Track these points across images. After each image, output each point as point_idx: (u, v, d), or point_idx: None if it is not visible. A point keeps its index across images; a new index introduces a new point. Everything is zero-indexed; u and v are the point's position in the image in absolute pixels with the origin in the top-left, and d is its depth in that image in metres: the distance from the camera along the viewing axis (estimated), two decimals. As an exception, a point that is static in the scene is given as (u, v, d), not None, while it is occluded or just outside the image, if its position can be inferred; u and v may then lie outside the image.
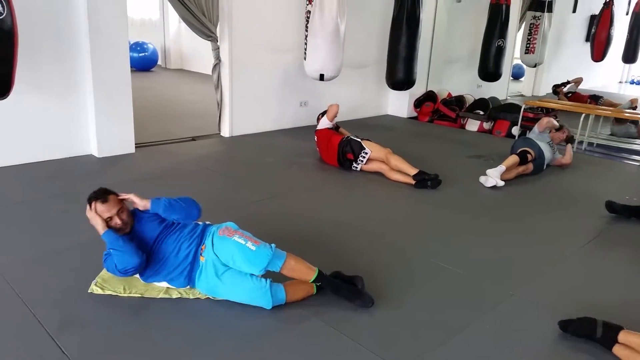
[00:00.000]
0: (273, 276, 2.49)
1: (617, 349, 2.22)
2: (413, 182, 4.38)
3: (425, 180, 4.35)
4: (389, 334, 2.35)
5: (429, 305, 2.61)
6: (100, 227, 2.45)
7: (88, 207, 2.47)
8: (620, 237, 3.63)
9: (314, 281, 2.52)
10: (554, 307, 2.63)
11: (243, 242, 2.47)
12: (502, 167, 4.52)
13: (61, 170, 4.40)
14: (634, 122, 6.85)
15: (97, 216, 2.45)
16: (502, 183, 4.47)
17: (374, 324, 2.42)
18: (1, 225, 3.30)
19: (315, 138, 5.03)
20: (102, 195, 2.49)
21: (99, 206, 2.45)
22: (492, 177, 4.47)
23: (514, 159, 4.67)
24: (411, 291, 2.73)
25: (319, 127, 5.00)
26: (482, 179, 4.57)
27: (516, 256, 3.23)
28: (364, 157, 4.66)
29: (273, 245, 2.51)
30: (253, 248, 2.45)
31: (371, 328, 2.39)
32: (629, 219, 3.88)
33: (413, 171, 4.40)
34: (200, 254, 2.53)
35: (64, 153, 4.67)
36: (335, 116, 4.95)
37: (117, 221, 2.47)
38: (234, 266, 2.46)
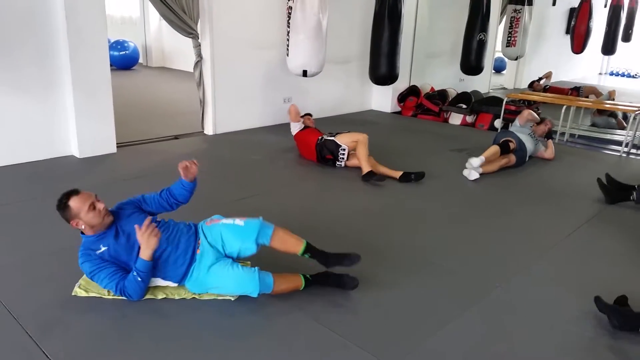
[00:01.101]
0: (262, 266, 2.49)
1: None
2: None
3: (370, 178, 4.36)
4: (376, 329, 2.36)
5: (416, 299, 2.63)
6: (150, 250, 2.38)
7: (141, 229, 2.38)
8: (604, 225, 3.68)
9: (303, 252, 2.57)
10: (546, 296, 2.67)
11: (231, 222, 2.58)
12: (482, 158, 4.56)
13: (42, 172, 4.33)
14: (614, 114, 6.95)
15: (153, 238, 2.38)
16: (477, 174, 4.54)
17: (361, 319, 2.43)
18: (-19, 229, 3.25)
19: (296, 143, 5.04)
20: (70, 192, 2.42)
21: (74, 200, 2.37)
22: (473, 167, 4.53)
23: (494, 149, 4.71)
24: (398, 285, 2.75)
25: (293, 133, 5.01)
26: (465, 172, 4.60)
27: (502, 248, 3.26)
28: (343, 155, 4.65)
29: (260, 217, 2.60)
30: (241, 223, 2.56)
31: (357, 322, 2.40)
32: (611, 204, 4.02)
33: (366, 169, 4.39)
34: (197, 248, 2.53)
35: (44, 154, 4.60)
36: (298, 114, 4.95)
37: (100, 205, 2.41)
38: (227, 248, 2.53)
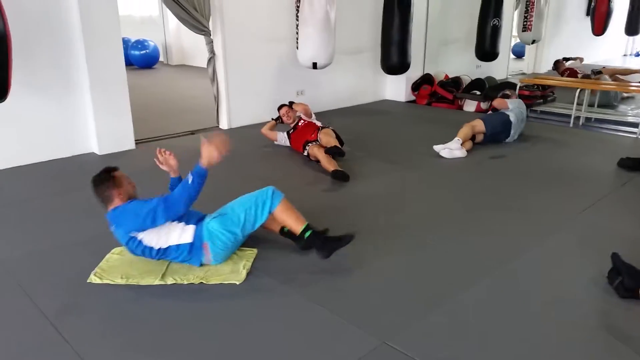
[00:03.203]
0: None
1: None
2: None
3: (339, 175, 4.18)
4: (369, 306, 2.45)
5: (411, 278, 2.71)
6: (210, 162, 2.60)
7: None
8: (615, 204, 3.68)
9: (302, 231, 2.75)
10: (555, 270, 2.72)
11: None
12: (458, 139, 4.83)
13: (64, 169, 4.54)
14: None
15: (214, 152, 2.60)
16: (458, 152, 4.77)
17: (357, 297, 2.52)
18: (7, 222, 3.46)
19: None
20: (112, 167, 2.74)
21: (118, 172, 2.74)
22: (452, 148, 4.75)
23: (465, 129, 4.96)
24: (394, 264, 2.83)
25: (288, 144, 5.05)
26: (442, 151, 4.79)
27: (511, 227, 3.30)
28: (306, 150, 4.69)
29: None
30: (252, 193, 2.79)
31: (360, 305, 2.49)
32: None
33: (330, 168, 4.25)
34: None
35: (66, 152, 4.81)
36: (271, 128, 5.11)
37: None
38: (234, 225, 2.72)
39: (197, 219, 2.78)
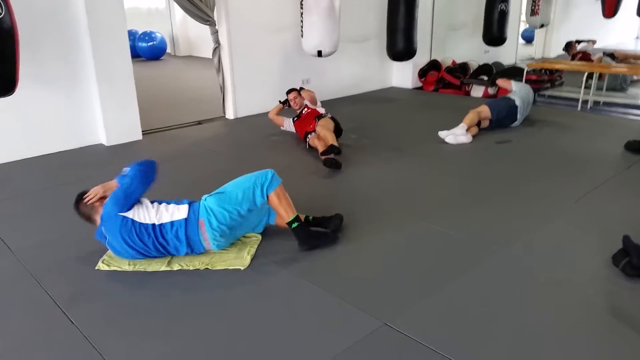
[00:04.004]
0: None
1: None
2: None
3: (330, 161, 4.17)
4: (371, 289, 2.48)
5: (412, 261, 2.73)
6: (112, 184, 2.73)
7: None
8: (621, 187, 3.67)
9: (290, 222, 2.81)
10: (548, 259, 2.73)
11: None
12: (463, 125, 4.83)
13: (73, 160, 4.61)
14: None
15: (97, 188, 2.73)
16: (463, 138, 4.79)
17: (359, 280, 2.56)
18: (19, 212, 3.53)
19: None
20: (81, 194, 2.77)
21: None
22: (457, 133, 4.78)
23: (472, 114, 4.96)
24: (395, 248, 2.86)
25: (293, 131, 5.09)
26: (447, 137, 4.80)
27: (516, 211, 3.31)
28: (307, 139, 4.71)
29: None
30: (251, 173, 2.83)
31: (356, 283, 2.52)
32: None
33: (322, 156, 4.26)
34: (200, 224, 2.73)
35: (74, 144, 4.88)
36: (277, 112, 5.19)
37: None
38: (231, 203, 2.74)
39: (190, 200, 2.83)
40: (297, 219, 2.82)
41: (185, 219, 2.71)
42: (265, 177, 2.78)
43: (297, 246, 2.83)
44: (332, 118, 4.78)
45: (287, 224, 2.83)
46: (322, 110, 4.90)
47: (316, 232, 2.90)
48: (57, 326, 2.29)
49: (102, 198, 2.72)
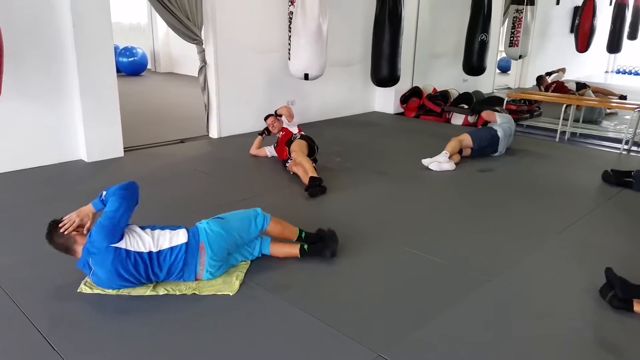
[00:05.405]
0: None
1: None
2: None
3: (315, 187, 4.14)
4: (363, 317, 2.45)
5: (401, 291, 2.72)
6: (87, 209, 2.61)
7: (57, 230, 2.58)
8: (602, 218, 3.75)
9: (297, 239, 3.00)
10: (546, 282, 2.75)
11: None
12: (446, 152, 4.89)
13: (52, 176, 4.48)
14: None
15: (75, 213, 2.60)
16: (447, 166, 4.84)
17: (351, 308, 2.52)
18: (-7, 230, 3.40)
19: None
20: (53, 223, 2.61)
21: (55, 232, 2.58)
22: (440, 161, 4.82)
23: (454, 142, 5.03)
24: (384, 276, 2.84)
25: (275, 155, 5.09)
26: (430, 165, 4.83)
27: (499, 239, 3.33)
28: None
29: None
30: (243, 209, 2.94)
31: (348, 312, 2.49)
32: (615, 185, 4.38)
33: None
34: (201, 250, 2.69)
35: (54, 159, 4.75)
36: (260, 143, 5.23)
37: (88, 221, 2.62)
38: (231, 229, 2.78)
39: (184, 226, 2.78)
40: (302, 232, 3.05)
41: (186, 243, 2.65)
42: (256, 213, 2.90)
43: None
44: (303, 137, 4.72)
45: (297, 239, 3.02)
46: (294, 130, 4.84)
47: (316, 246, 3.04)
48: (38, 351, 2.18)
49: (79, 226, 2.59)
